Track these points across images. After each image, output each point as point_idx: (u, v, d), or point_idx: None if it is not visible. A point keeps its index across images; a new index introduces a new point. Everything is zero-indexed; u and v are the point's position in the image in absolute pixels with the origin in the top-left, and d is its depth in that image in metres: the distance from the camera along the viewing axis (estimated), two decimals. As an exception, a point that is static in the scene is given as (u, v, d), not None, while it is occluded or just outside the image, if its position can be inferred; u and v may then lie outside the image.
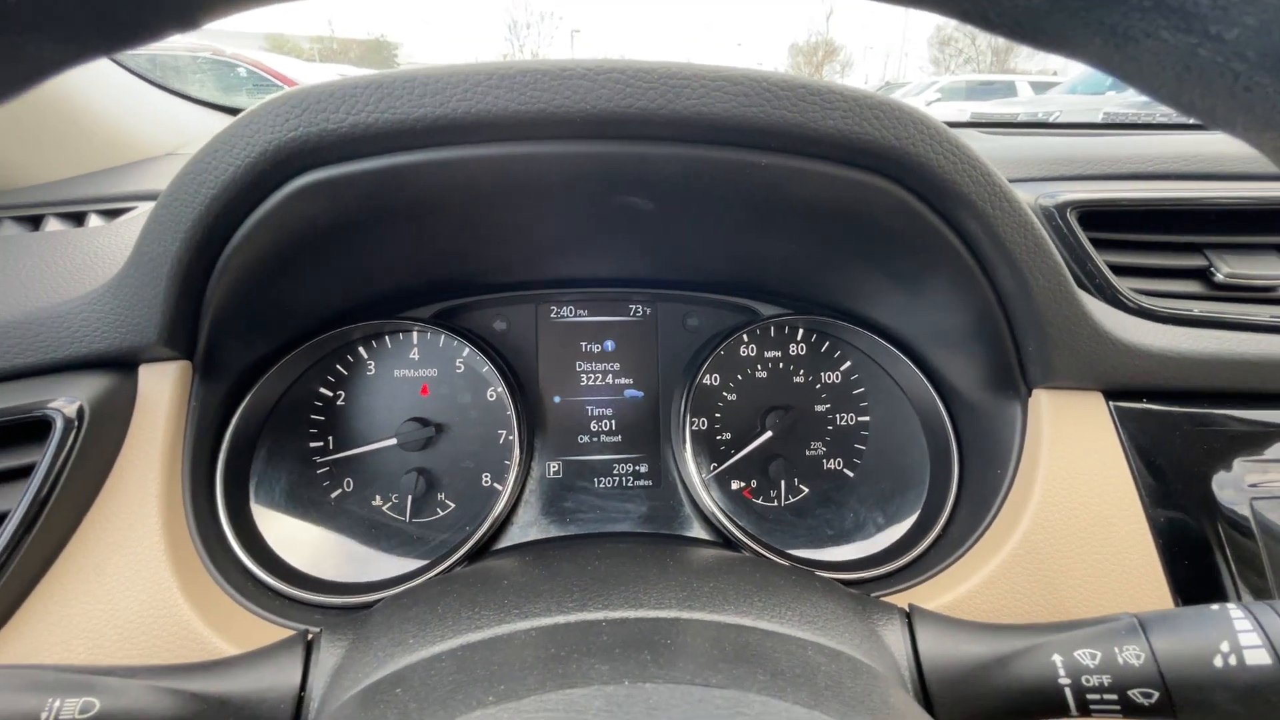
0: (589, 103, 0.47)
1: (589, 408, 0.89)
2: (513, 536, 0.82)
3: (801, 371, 0.88)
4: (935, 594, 0.63)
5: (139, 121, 1.01)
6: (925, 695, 0.45)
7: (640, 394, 0.90)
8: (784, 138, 0.50)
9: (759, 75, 0.48)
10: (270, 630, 0.59)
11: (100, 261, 0.66)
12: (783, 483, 0.86)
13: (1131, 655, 0.42)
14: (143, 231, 0.56)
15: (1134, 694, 0.41)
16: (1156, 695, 0.41)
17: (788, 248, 0.71)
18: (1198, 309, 0.70)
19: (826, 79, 0.50)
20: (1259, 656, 0.40)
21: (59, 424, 0.55)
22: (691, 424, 0.86)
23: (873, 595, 0.57)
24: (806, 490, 0.86)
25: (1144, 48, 0.20)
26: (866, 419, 0.88)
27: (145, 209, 0.80)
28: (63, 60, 0.21)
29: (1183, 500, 0.64)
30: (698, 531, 0.84)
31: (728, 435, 0.87)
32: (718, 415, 0.87)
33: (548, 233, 0.73)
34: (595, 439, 0.89)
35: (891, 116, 0.50)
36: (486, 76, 0.47)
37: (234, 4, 0.21)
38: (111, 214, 0.81)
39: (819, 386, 0.88)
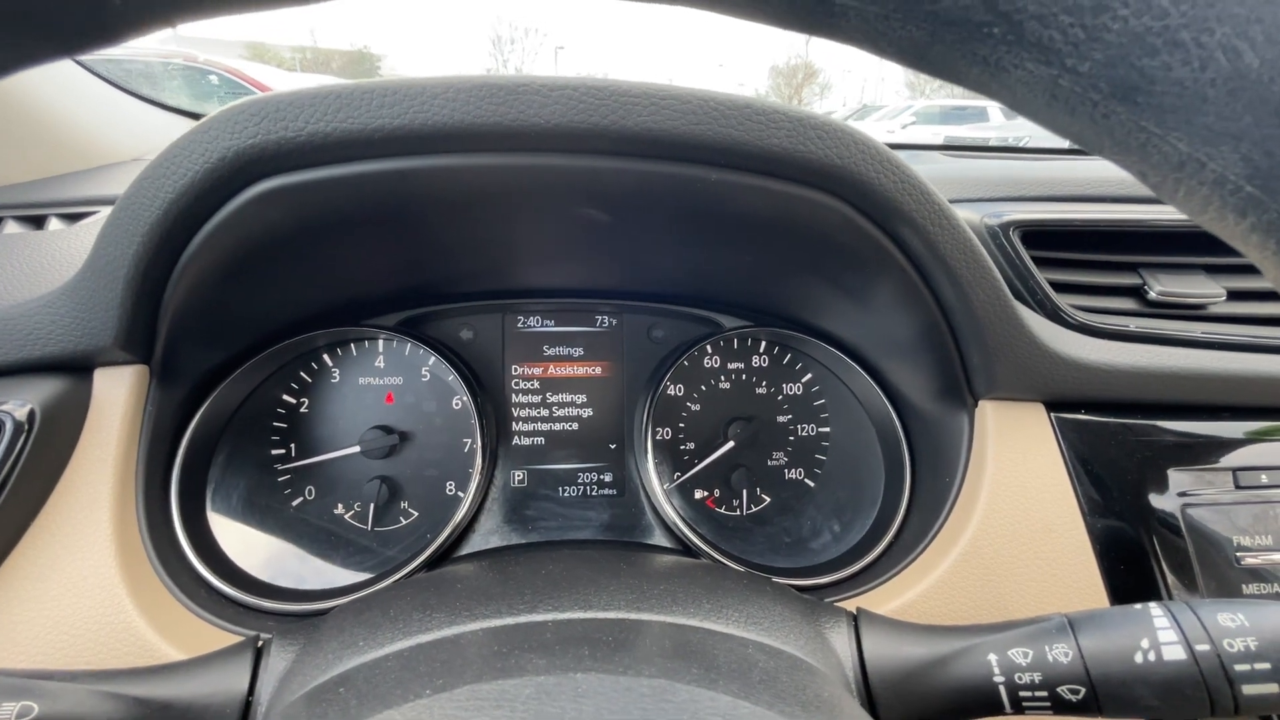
0: (542, 117, 0.49)
1: (554, 418, 0.90)
2: (474, 544, 0.82)
3: (764, 383, 0.90)
4: (886, 599, 0.65)
5: (105, 126, 1.00)
6: (869, 695, 0.46)
7: (605, 405, 0.91)
8: (731, 154, 0.52)
9: (707, 94, 0.50)
10: (223, 637, 0.59)
11: (58, 264, 0.66)
12: (745, 492, 0.87)
13: (1060, 653, 0.43)
14: (100, 234, 0.56)
15: (1062, 690, 0.42)
16: (1083, 691, 0.42)
17: (743, 261, 0.73)
18: (1133, 325, 0.73)
19: (775, 101, 0.52)
20: (1175, 652, 0.42)
21: (9, 427, 0.55)
22: (655, 434, 0.87)
23: (826, 600, 0.58)
24: (768, 500, 0.88)
25: (1015, 77, 0.22)
26: (827, 430, 0.90)
27: (106, 213, 0.80)
28: (13, 63, 0.21)
29: (1118, 507, 0.67)
30: (659, 539, 0.85)
31: (691, 445, 0.88)
32: (681, 425, 0.89)
33: (511, 243, 0.74)
34: (560, 448, 0.90)
35: (834, 137, 0.52)
36: (444, 90, 0.48)
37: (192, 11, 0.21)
38: (73, 218, 0.80)
39: (781, 398, 0.90)
